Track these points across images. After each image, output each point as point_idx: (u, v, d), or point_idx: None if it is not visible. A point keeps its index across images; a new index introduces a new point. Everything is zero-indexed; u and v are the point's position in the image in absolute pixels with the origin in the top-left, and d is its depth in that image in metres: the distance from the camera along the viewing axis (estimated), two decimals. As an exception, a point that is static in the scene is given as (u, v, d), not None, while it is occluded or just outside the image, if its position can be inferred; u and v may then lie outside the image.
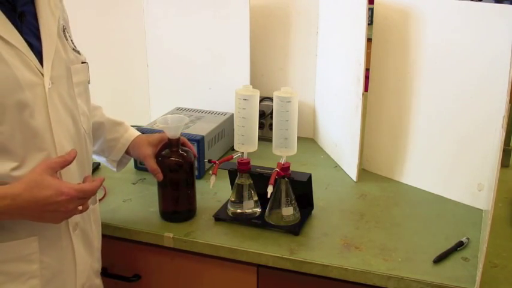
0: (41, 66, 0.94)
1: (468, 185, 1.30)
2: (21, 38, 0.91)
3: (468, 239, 1.15)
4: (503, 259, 1.11)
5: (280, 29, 1.71)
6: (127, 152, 1.28)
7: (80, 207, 0.95)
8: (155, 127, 1.50)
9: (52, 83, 0.95)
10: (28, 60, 0.92)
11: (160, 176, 1.20)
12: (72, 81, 1.02)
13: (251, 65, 1.65)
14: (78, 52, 1.06)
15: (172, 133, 1.19)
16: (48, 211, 0.90)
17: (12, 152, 0.90)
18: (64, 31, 1.02)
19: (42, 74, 0.94)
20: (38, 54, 0.94)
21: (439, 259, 1.09)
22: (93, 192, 0.97)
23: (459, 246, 1.13)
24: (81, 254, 1.05)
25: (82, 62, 1.06)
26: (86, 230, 1.07)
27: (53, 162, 0.92)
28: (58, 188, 0.90)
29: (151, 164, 1.21)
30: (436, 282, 1.02)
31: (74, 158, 0.95)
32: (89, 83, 1.09)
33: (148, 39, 1.75)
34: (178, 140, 1.20)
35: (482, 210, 1.28)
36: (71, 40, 1.05)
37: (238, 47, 1.64)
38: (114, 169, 1.31)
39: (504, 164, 1.53)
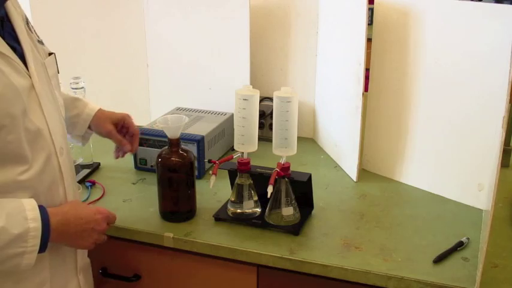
0: (26, 68, 0.94)
1: (468, 185, 1.30)
2: (6, 44, 0.90)
3: (468, 239, 1.15)
4: (503, 259, 1.11)
5: (280, 29, 1.71)
6: (89, 127, 1.28)
7: (105, 236, 1.06)
8: (155, 127, 1.51)
9: (39, 81, 0.95)
10: (17, 65, 0.91)
11: (129, 147, 1.23)
12: (48, 76, 1.02)
13: (251, 65, 1.65)
14: (42, 43, 1.05)
15: (172, 133, 1.19)
16: (87, 230, 1.00)
17: (22, 157, 0.91)
18: (28, 24, 1.00)
19: (30, 76, 0.94)
20: (21, 57, 0.94)
21: (439, 259, 1.09)
22: (115, 220, 1.10)
23: (459, 246, 1.13)
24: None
25: (49, 54, 1.06)
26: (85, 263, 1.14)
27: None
28: (96, 208, 1.05)
29: (118, 137, 1.25)
30: (436, 282, 1.02)
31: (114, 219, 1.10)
32: (58, 73, 1.09)
33: (148, 39, 1.75)
34: (178, 140, 1.20)
35: (482, 210, 1.28)
36: (34, 31, 1.03)
37: (238, 47, 1.64)
38: (80, 143, 1.32)
39: (504, 164, 1.53)
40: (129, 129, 1.32)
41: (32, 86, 0.94)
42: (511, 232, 1.22)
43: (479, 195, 1.28)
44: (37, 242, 0.91)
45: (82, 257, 1.12)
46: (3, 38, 0.90)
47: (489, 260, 1.08)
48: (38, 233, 0.91)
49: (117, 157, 1.33)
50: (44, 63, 1.01)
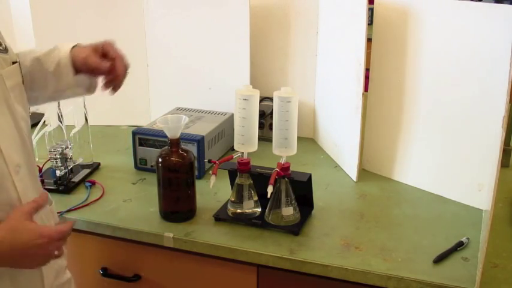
0: None
1: (468, 185, 1.30)
2: None
3: (468, 239, 1.15)
4: (503, 259, 1.11)
5: (280, 29, 1.71)
6: (76, 69, 1.11)
7: (56, 252, 0.92)
8: (155, 127, 1.51)
9: None
10: None
11: (107, 65, 1.07)
12: (6, 87, 0.92)
13: (251, 65, 1.65)
14: (4, 51, 0.95)
15: (172, 133, 1.20)
16: (28, 255, 0.88)
17: None
18: None
19: None
20: None
21: (439, 259, 1.09)
22: (70, 232, 0.94)
23: (459, 246, 1.13)
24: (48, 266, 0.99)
25: (13, 63, 0.96)
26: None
27: (28, 208, 0.90)
28: (38, 231, 0.88)
29: (93, 59, 1.08)
30: (436, 282, 1.02)
31: (45, 201, 0.94)
32: (23, 83, 0.99)
33: (148, 39, 1.75)
34: (178, 140, 1.20)
35: (482, 210, 1.28)
36: None
37: (238, 47, 1.64)
38: (86, 92, 1.17)
39: (504, 164, 1.53)
40: (108, 54, 1.12)
41: None
42: (511, 232, 1.22)
43: (479, 195, 1.28)
44: None
45: (53, 276, 1.04)
46: None
47: (489, 260, 1.08)
48: None
49: (104, 90, 1.14)
50: (1, 74, 0.91)
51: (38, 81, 1.10)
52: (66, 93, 1.16)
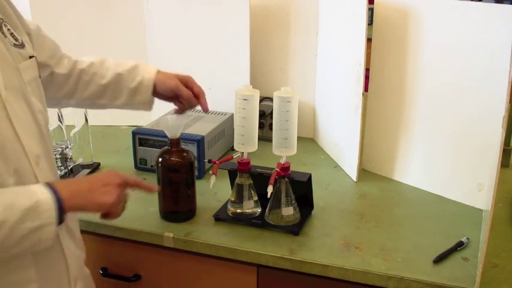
0: None
1: (468, 185, 1.30)
2: None
3: (468, 239, 1.15)
4: (503, 259, 1.11)
5: (280, 29, 1.71)
6: (155, 91, 1.25)
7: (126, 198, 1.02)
8: (155, 127, 1.51)
9: (6, 89, 0.89)
10: None
11: (196, 102, 1.19)
12: (23, 81, 0.95)
13: (251, 65, 1.65)
14: (21, 46, 0.97)
15: (172, 133, 1.20)
16: (101, 184, 0.95)
17: None
18: (1, 27, 0.94)
19: None
20: None
21: (439, 259, 1.09)
22: (135, 184, 1.03)
23: (459, 246, 1.13)
24: (69, 248, 1.02)
25: (30, 57, 0.99)
26: (69, 225, 1.04)
27: (124, 175, 1.01)
28: (110, 171, 1.00)
29: (186, 91, 1.20)
30: (436, 282, 1.02)
31: (139, 183, 1.05)
32: (40, 78, 1.02)
33: (148, 40, 1.75)
34: (178, 140, 1.20)
35: (482, 210, 1.28)
36: (11, 34, 0.96)
37: (238, 47, 1.64)
38: (148, 109, 1.30)
39: (504, 164, 1.53)
40: (193, 90, 1.25)
41: None
42: (511, 232, 1.22)
43: (479, 195, 1.28)
44: (53, 213, 0.87)
45: (77, 268, 1.06)
46: None
47: (489, 260, 1.08)
48: (51, 202, 0.87)
49: (179, 113, 1.26)
50: (18, 67, 0.94)
51: (112, 92, 1.23)
52: (132, 107, 1.29)
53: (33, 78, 0.99)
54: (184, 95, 1.22)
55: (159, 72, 1.25)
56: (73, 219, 1.08)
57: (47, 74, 1.18)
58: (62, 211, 0.88)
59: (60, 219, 0.89)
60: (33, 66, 0.99)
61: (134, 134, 1.48)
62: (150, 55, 1.76)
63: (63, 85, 1.22)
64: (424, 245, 1.14)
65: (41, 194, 0.87)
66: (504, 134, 1.00)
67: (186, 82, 1.26)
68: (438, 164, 1.36)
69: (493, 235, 1.09)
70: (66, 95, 1.23)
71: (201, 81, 1.71)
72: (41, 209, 0.86)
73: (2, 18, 0.95)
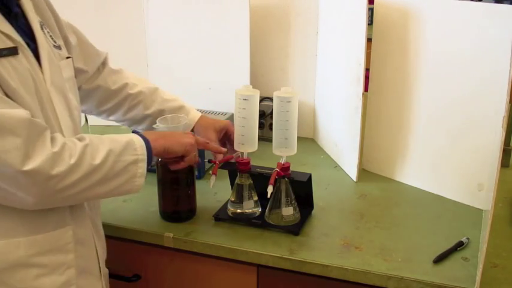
0: (39, 65, 0.96)
1: (468, 185, 1.30)
2: (21, 39, 0.93)
3: (468, 239, 1.15)
4: (503, 259, 1.11)
5: (280, 29, 1.71)
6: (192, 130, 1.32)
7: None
8: (155, 127, 1.50)
9: (51, 84, 0.97)
10: (30, 59, 0.93)
11: (220, 157, 1.22)
12: (63, 77, 1.02)
13: (251, 65, 1.65)
14: (58, 48, 1.06)
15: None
16: (179, 133, 1.10)
17: None
18: (42, 28, 1.02)
19: (42, 72, 0.95)
20: (34, 52, 0.95)
21: (439, 259, 1.09)
22: (204, 144, 1.17)
23: (459, 246, 1.13)
24: (98, 245, 1.09)
25: (67, 57, 1.07)
26: (93, 218, 1.10)
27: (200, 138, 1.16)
28: (191, 133, 1.14)
29: (214, 147, 1.24)
30: (436, 282, 1.02)
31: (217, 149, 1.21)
32: (75, 77, 1.11)
33: (148, 39, 1.75)
34: (178, 140, 1.20)
35: (482, 210, 1.28)
36: (50, 36, 1.05)
37: (238, 47, 1.64)
38: None
39: (504, 164, 1.53)
40: (230, 138, 1.31)
41: (44, 83, 0.95)
42: (511, 232, 1.22)
43: (479, 195, 1.28)
44: (144, 151, 1.00)
45: (103, 265, 1.12)
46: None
47: (489, 260, 1.08)
48: (142, 142, 1.01)
49: (213, 162, 1.27)
50: (59, 65, 1.02)
51: (151, 123, 1.29)
52: None
53: (71, 76, 1.07)
54: (211, 149, 1.23)
55: (201, 118, 1.31)
56: (98, 218, 1.14)
57: (94, 86, 1.26)
58: (150, 151, 1.02)
59: (149, 160, 1.01)
60: (70, 65, 1.08)
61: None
62: (150, 55, 1.76)
63: (107, 101, 1.28)
64: (424, 245, 1.14)
65: (132, 135, 1.02)
66: (504, 134, 1.00)
67: (227, 129, 1.32)
68: (438, 164, 1.36)
69: (493, 235, 1.09)
70: (107, 111, 1.31)
71: (201, 81, 1.73)
72: (136, 145, 1.00)
73: (41, 21, 1.03)
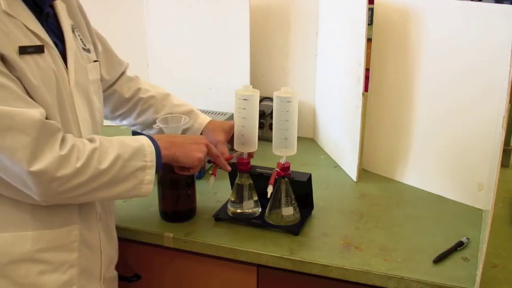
0: (65, 64, 0.98)
1: (468, 185, 1.30)
2: (49, 38, 0.95)
3: (468, 239, 1.15)
4: (503, 259, 1.11)
5: (280, 29, 1.71)
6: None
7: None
8: (155, 127, 1.50)
9: (75, 84, 1.00)
10: (56, 58, 0.96)
11: (228, 168, 1.21)
12: (88, 79, 1.05)
13: (251, 65, 1.65)
14: (87, 51, 1.10)
15: (172, 133, 1.19)
16: (191, 143, 1.10)
17: None
18: (74, 31, 1.05)
19: (67, 72, 0.98)
20: (61, 53, 0.98)
21: (439, 259, 1.09)
22: (215, 156, 1.16)
23: (459, 246, 1.13)
24: (104, 243, 1.09)
25: (94, 61, 1.11)
26: (106, 220, 1.11)
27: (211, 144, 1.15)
28: (202, 137, 1.17)
29: (224, 149, 1.25)
30: (436, 282, 1.02)
31: (221, 162, 1.18)
32: (101, 81, 1.14)
33: (148, 39, 1.75)
34: (178, 140, 1.20)
35: (482, 210, 1.28)
36: (80, 39, 1.09)
37: (238, 47, 1.64)
38: None
39: (504, 164, 1.53)
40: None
41: (68, 81, 0.98)
42: (511, 232, 1.22)
43: (479, 195, 1.28)
44: (153, 157, 1.00)
45: (108, 266, 1.12)
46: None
47: (489, 260, 1.08)
48: (152, 149, 1.01)
49: (213, 162, 1.26)
50: (86, 67, 1.05)
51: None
52: None
53: (96, 79, 1.10)
54: (220, 163, 1.21)
55: (210, 122, 1.32)
56: (112, 221, 1.15)
57: (110, 91, 1.28)
58: (159, 158, 1.02)
59: (158, 167, 1.01)
60: (96, 68, 1.11)
61: (134, 134, 1.48)
62: (150, 55, 1.76)
63: (121, 106, 1.31)
64: (424, 245, 1.14)
65: (143, 140, 1.02)
66: (504, 134, 1.00)
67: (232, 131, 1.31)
68: (438, 164, 1.36)
69: (493, 235, 1.09)
70: (121, 115, 1.33)
71: (201, 81, 1.73)
72: (145, 151, 1.00)
73: (73, 25, 1.07)
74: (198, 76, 1.72)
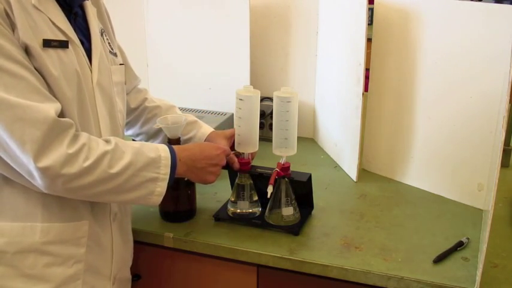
0: (90, 63, 1.00)
1: (468, 185, 1.30)
2: (76, 36, 0.97)
3: (468, 239, 1.15)
4: (503, 259, 1.11)
5: (281, 29, 1.71)
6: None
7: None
8: (155, 127, 1.50)
9: (97, 84, 1.01)
10: (81, 55, 0.98)
11: (237, 165, 1.21)
12: (112, 81, 1.07)
13: (251, 65, 1.65)
14: (114, 54, 1.12)
15: (172, 133, 1.19)
16: (211, 165, 1.11)
17: None
18: (102, 34, 1.08)
19: (91, 71, 1.00)
20: (87, 51, 1.00)
21: (439, 259, 1.09)
22: (235, 168, 1.19)
23: (459, 246, 1.13)
24: (118, 244, 1.09)
25: (120, 64, 1.13)
26: (122, 221, 1.11)
27: (224, 147, 1.16)
28: (216, 145, 1.16)
29: (234, 160, 1.24)
30: (436, 282, 1.02)
31: (232, 159, 1.19)
32: (125, 84, 1.16)
33: (148, 39, 1.75)
34: (178, 140, 1.20)
35: (482, 210, 1.28)
36: (108, 43, 1.11)
37: (238, 47, 1.64)
38: None
39: (504, 164, 1.53)
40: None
41: (91, 79, 0.99)
42: (511, 232, 1.22)
43: (479, 195, 1.28)
44: (168, 170, 1.00)
45: (120, 268, 1.12)
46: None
47: (489, 260, 1.08)
48: (168, 162, 1.00)
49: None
50: (110, 68, 1.07)
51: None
52: None
53: (120, 81, 1.12)
54: (231, 160, 1.22)
55: (212, 131, 1.31)
56: (128, 223, 1.16)
57: None
58: (173, 173, 1.01)
59: (171, 181, 1.01)
60: (121, 71, 1.13)
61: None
62: (150, 55, 1.76)
63: (127, 116, 1.29)
64: (424, 245, 1.14)
65: (162, 152, 1.01)
66: (504, 134, 1.00)
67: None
68: (438, 164, 1.36)
69: (493, 235, 1.09)
70: (127, 124, 1.32)
71: (201, 81, 1.73)
72: (161, 163, 0.99)
73: (102, 29, 1.10)
74: (198, 76, 1.72)
